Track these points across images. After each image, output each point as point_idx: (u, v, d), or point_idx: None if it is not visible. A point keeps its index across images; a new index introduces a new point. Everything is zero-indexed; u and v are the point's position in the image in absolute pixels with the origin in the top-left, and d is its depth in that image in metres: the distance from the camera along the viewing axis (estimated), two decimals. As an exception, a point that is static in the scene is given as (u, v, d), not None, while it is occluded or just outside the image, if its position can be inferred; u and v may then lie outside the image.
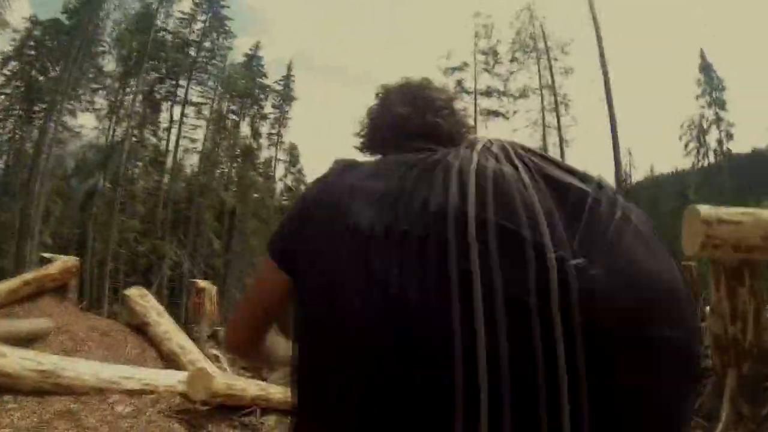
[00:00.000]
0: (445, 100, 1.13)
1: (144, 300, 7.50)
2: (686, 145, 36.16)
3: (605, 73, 17.13)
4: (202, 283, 9.47)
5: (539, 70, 20.88)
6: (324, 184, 0.92)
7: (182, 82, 34.67)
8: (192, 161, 34.79)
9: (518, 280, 0.68)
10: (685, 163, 37.63)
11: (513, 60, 21.41)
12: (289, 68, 45.36)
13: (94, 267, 26.79)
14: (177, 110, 34.30)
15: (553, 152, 20.46)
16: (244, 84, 38.23)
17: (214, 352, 7.14)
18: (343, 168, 0.93)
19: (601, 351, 0.66)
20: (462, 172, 0.79)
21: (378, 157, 1.12)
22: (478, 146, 0.85)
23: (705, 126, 36.39)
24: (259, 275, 1.01)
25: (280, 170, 44.16)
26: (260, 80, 41.33)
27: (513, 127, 21.22)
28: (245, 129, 39.79)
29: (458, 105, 1.16)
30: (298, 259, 0.86)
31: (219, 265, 32.75)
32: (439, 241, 0.72)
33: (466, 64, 20.44)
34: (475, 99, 19.98)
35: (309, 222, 0.87)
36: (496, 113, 20.22)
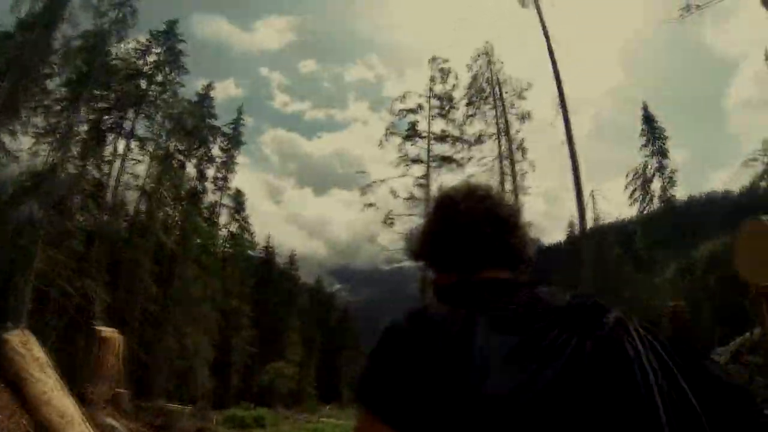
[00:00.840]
0: (517, 217, 1.17)
1: (25, 347, 5.83)
2: (632, 194, 37.63)
3: (566, 117, 16.89)
4: (106, 331, 7.88)
5: (496, 116, 20.66)
6: (433, 331, 0.88)
7: (129, 115, 33.13)
8: (133, 198, 32.85)
9: None
10: (629, 212, 39.12)
11: (469, 104, 21.21)
12: (240, 112, 44.85)
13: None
14: (121, 144, 32.69)
15: (509, 198, 20.51)
16: (194, 123, 37.19)
17: (111, 422, 5.79)
18: (448, 315, 0.91)
19: None
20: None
21: (449, 275, 1.13)
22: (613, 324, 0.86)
23: (649, 174, 37.91)
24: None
25: (224, 216, 43.02)
26: (210, 121, 40.52)
27: (467, 173, 20.84)
28: (191, 170, 38.64)
29: (524, 220, 1.18)
30: (413, 417, 0.82)
31: (156, 311, 30.91)
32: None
33: (420, 107, 20.07)
34: (429, 143, 19.57)
35: (422, 376, 0.83)
36: (450, 159, 19.77)
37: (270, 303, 51.59)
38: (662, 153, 38.47)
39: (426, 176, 19.13)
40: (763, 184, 36.13)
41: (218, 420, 27.64)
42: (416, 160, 19.68)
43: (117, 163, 31.51)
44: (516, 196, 19.55)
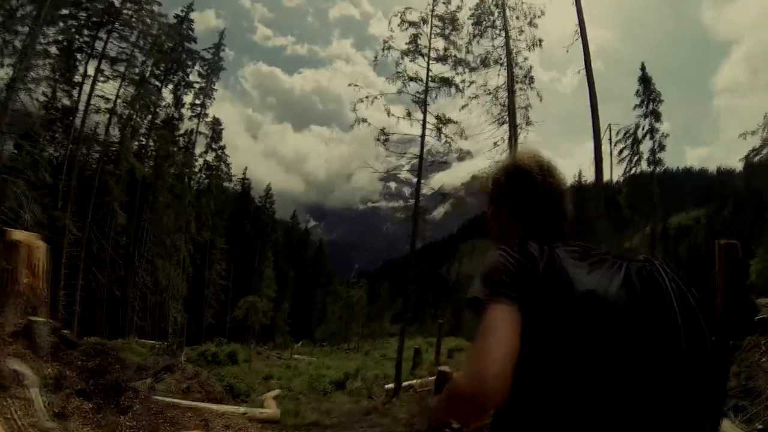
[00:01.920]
0: (568, 190, 1.57)
1: None
2: (620, 152, 37.12)
3: (585, 41, 15.62)
4: (18, 233, 6.13)
5: (507, 40, 19.17)
6: (537, 256, 1.28)
7: (102, 35, 30.09)
8: (104, 122, 30.53)
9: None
10: (616, 172, 38.69)
11: (476, 24, 19.71)
12: (221, 36, 42.55)
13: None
14: (92, 66, 29.76)
15: (507, 133, 19.13)
16: (171, 45, 34.98)
17: (15, 366, 4.40)
18: (541, 248, 1.31)
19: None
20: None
21: (522, 225, 1.53)
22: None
23: (640, 136, 37.49)
24: (488, 317, 1.20)
25: (200, 146, 41.40)
26: (189, 45, 38.30)
27: (467, 97, 19.56)
28: (167, 96, 36.67)
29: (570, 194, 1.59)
30: (533, 301, 1.21)
31: (127, 243, 29.74)
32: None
33: (424, 21, 18.56)
34: (428, 62, 18.21)
35: (537, 279, 1.24)
36: (449, 82, 18.44)
37: (245, 237, 50.65)
38: (656, 115, 37.91)
39: (424, 95, 17.86)
40: (759, 158, 35.84)
41: (191, 356, 27.11)
42: (414, 78, 18.24)
43: (87, 87, 29.07)
44: (514, 131, 18.46)
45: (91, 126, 29.30)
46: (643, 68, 39.61)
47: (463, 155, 20.27)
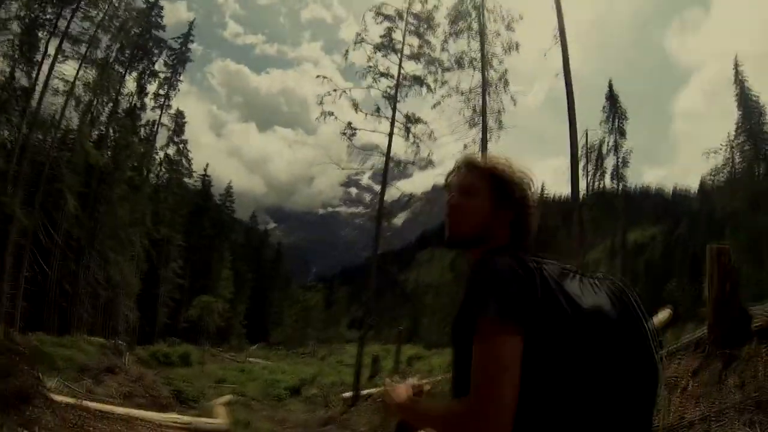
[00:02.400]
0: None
1: None
2: (585, 167, 37.63)
3: (564, 45, 15.43)
4: None
5: (481, 42, 18.77)
6: (536, 274, 1.28)
7: (66, 13, 27.68)
8: (60, 105, 28.72)
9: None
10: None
11: (452, 23, 19.30)
12: (191, 27, 41.43)
13: None
14: (53, 46, 27.69)
15: (479, 134, 18.67)
16: (138, 31, 33.65)
17: None
18: (536, 266, 1.31)
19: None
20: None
21: (511, 231, 1.51)
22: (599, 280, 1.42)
23: (604, 151, 38.15)
24: (497, 343, 1.19)
25: (162, 139, 40.04)
26: (156, 32, 36.96)
27: (438, 98, 19.03)
28: (130, 84, 35.24)
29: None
30: (536, 321, 1.22)
31: (80, 235, 28.29)
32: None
33: (400, 16, 18.04)
34: (401, 58, 17.65)
35: (539, 297, 1.24)
36: (421, 81, 17.98)
37: (203, 235, 49.23)
38: (621, 131, 38.64)
39: (395, 90, 17.35)
40: (718, 177, 36.96)
41: (142, 356, 25.97)
42: (385, 74, 17.70)
43: (46, 67, 27.37)
44: (484, 136, 18.09)
45: (49, 110, 27.71)
46: (610, 86, 40.32)
47: (426, 164, 19.83)
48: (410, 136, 17.85)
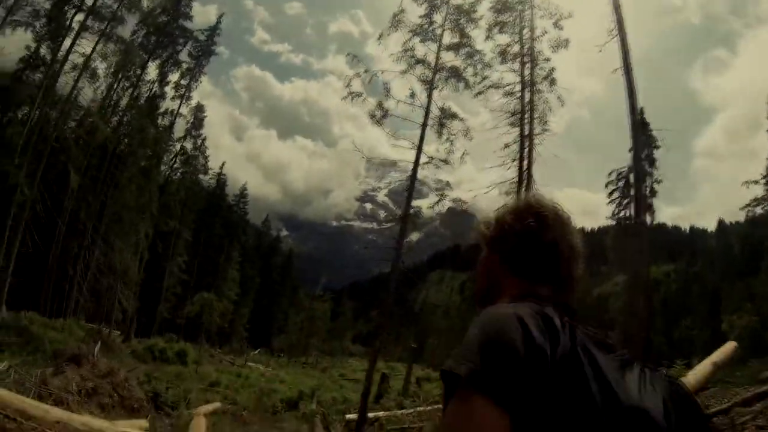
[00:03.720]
0: (581, 250, 1.31)
1: None
2: (611, 194, 36.46)
3: (623, 39, 14.00)
4: None
5: (521, 39, 17.30)
6: (551, 326, 1.01)
7: None
8: (82, 82, 27.79)
9: None
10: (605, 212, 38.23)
11: (498, 12, 17.81)
12: (219, 20, 40.73)
13: None
14: (77, 21, 26.81)
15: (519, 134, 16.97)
16: (166, 19, 32.90)
17: None
18: (550, 320, 1.03)
19: None
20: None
21: (521, 280, 1.26)
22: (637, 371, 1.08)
23: (632, 179, 36.79)
24: (476, 420, 0.92)
25: (179, 130, 39.15)
26: (183, 22, 36.20)
27: (475, 92, 17.40)
28: (152, 71, 34.43)
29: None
30: (525, 403, 0.91)
31: (85, 216, 27.22)
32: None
33: (440, 2, 16.67)
34: (439, 48, 16.20)
35: (529, 367, 0.93)
36: (459, 74, 16.44)
37: (214, 233, 48.16)
38: (651, 160, 37.09)
39: (432, 75, 15.89)
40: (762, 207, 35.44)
41: (137, 349, 24.72)
42: (422, 61, 16.19)
43: (68, 42, 26.52)
44: (530, 140, 16.55)
45: (65, 84, 26.82)
46: (642, 112, 38.88)
47: (442, 186, 18.37)
48: (444, 131, 16.20)
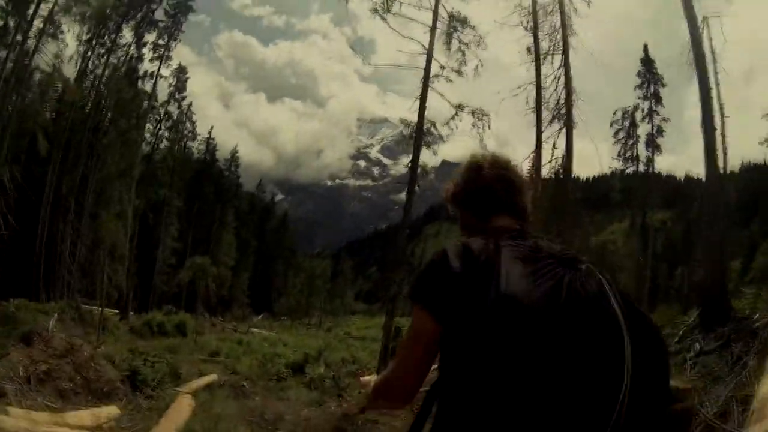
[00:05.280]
0: (524, 183, 1.67)
1: None
2: (616, 133, 35.27)
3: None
4: None
5: None
6: (473, 256, 1.34)
7: None
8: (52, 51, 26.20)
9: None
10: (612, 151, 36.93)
11: None
12: (194, -25, 38.44)
13: None
14: None
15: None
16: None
17: None
18: (483, 246, 1.37)
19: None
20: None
21: (471, 217, 1.67)
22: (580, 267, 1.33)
23: (638, 118, 35.71)
24: (416, 324, 1.39)
25: (162, 91, 37.49)
26: (156, -20, 34.12)
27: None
28: (127, 34, 32.61)
29: (529, 187, 1.73)
30: (454, 313, 1.28)
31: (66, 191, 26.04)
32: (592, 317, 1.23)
33: None
34: None
35: (464, 283, 1.29)
36: (464, 22, 14.39)
37: (206, 200, 47.02)
38: (657, 98, 35.74)
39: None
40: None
41: (135, 325, 23.93)
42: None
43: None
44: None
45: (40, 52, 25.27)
46: (645, 49, 37.34)
47: (435, 140, 16.12)
48: (454, 40, 14.15)
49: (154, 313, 27.21)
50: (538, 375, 1.16)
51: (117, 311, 28.73)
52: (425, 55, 13.33)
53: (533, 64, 14.06)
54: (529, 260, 1.32)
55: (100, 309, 20.75)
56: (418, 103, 13.59)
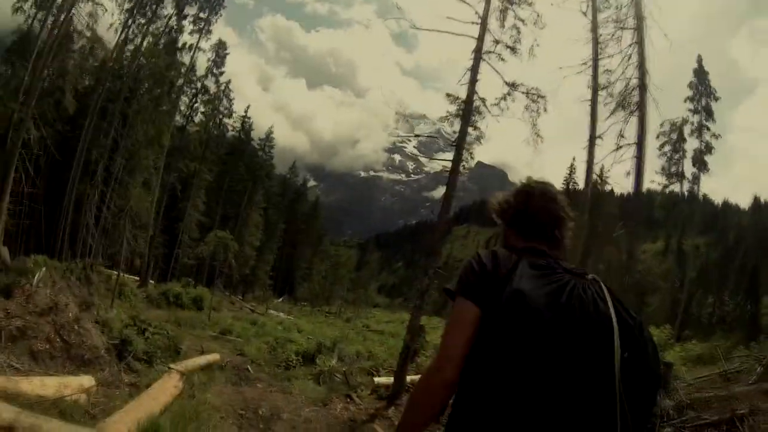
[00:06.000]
0: (566, 217, 1.83)
1: None
2: (661, 147, 33.09)
3: None
4: None
5: None
6: (499, 261, 1.60)
7: None
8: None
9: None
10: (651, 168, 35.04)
11: None
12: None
13: None
14: None
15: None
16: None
17: None
18: (508, 255, 1.63)
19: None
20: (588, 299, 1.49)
21: (512, 231, 1.86)
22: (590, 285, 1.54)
23: (686, 132, 33.61)
24: (458, 310, 1.57)
25: (201, 66, 37.21)
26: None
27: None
28: (168, 6, 32.27)
29: (571, 220, 1.86)
30: (485, 299, 1.52)
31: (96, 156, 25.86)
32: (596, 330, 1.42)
33: None
34: None
35: (492, 281, 1.54)
36: None
37: (236, 178, 46.74)
38: (708, 112, 33.75)
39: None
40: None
41: (151, 294, 23.62)
42: None
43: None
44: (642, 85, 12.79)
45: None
46: (699, 61, 35.36)
47: (472, 141, 14.56)
48: (509, 17, 12.87)
49: (173, 284, 26.92)
50: (534, 362, 1.36)
51: (137, 278, 28.61)
52: (478, 25, 11.96)
53: (591, 44, 12.87)
54: (543, 269, 1.56)
55: (118, 274, 20.37)
56: (468, 75, 11.96)
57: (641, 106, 12.37)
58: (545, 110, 12.69)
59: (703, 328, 32.46)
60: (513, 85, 12.24)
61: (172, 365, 7.92)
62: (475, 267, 1.60)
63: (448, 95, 12.29)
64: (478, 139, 12.58)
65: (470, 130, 11.95)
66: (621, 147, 12.73)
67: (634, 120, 12.67)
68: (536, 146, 13.23)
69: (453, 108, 12.04)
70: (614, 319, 1.41)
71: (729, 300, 47.19)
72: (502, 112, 12.26)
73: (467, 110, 11.60)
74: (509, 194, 1.92)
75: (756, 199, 62.35)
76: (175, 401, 6.61)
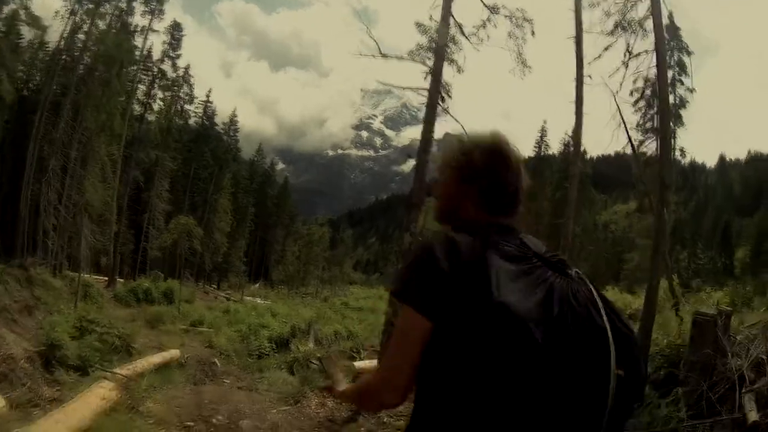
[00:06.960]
0: (523, 171, 1.48)
1: None
2: (636, 102, 33.07)
3: None
4: None
5: None
6: (460, 253, 1.25)
7: None
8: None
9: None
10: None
11: None
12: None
13: None
14: None
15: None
16: None
17: None
18: (470, 243, 1.27)
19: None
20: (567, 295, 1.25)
21: (480, 210, 1.44)
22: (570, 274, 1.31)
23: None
24: (405, 323, 1.27)
25: (157, 51, 35.83)
26: None
27: None
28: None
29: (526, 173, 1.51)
30: (445, 313, 1.20)
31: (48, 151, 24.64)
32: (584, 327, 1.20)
33: None
34: None
35: (452, 283, 1.21)
36: None
37: (202, 164, 45.59)
38: (681, 66, 33.74)
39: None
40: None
41: (120, 292, 22.73)
42: None
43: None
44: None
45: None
46: (671, 17, 35.29)
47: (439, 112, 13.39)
48: None
49: (142, 280, 26.02)
50: (524, 386, 1.14)
51: (105, 278, 27.57)
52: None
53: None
54: (517, 260, 1.29)
55: (79, 275, 19.47)
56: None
57: (659, 44, 10.59)
58: (532, 34, 11.76)
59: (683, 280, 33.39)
60: (494, 9, 11.14)
61: (112, 370, 7.06)
62: (426, 266, 1.26)
63: (417, 24, 10.93)
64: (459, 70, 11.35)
65: (446, 64, 10.79)
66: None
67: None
68: (522, 77, 12.19)
69: (424, 40, 10.80)
70: (609, 334, 1.21)
71: (701, 254, 49.07)
72: (482, 41, 11.17)
73: (442, 33, 10.23)
74: (474, 149, 1.47)
75: (721, 158, 63.40)
76: (99, 418, 5.61)
